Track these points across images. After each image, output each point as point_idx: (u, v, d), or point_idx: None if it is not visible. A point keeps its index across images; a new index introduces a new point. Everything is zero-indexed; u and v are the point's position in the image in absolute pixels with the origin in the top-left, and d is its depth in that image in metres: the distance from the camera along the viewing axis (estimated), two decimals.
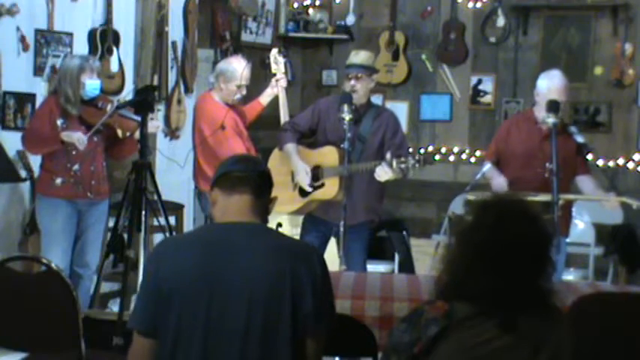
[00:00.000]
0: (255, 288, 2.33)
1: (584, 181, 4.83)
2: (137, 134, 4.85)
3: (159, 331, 2.36)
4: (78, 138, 4.74)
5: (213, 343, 2.32)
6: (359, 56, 4.95)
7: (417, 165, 4.45)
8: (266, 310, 2.32)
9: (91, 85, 4.82)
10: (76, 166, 4.84)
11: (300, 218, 5.44)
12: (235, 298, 2.32)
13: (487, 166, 4.87)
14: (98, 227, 5.07)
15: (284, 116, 5.52)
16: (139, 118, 4.84)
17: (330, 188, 4.80)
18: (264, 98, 5.70)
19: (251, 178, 2.47)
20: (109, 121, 4.85)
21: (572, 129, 4.77)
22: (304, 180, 4.87)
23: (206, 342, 2.32)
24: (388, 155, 4.55)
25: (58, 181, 4.82)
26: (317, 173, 4.89)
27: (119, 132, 5.04)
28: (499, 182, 4.77)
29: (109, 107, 4.82)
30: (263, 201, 2.50)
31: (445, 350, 2.13)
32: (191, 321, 2.33)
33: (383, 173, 4.55)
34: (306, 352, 2.40)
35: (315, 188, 4.89)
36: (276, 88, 5.59)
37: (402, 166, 4.46)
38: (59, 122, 4.79)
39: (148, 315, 2.38)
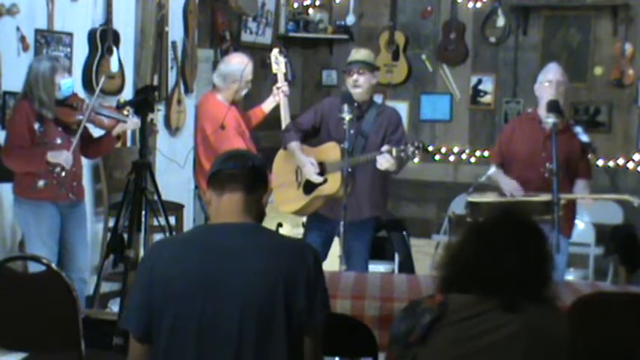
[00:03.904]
0: (248, 290, 2.32)
1: (577, 184, 4.82)
2: (115, 131, 4.87)
3: (153, 335, 2.35)
4: (65, 159, 4.67)
5: (207, 346, 2.31)
6: (360, 53, 4.97)
7: (416, 152, 4.45)
8: (260, 311, 2.31)
9: (66, 84, 4.75)
10: (58, 168, 4.77)
11: (301, 218, 5.45)
12: (228, 300, 2.31)
13: (492, 170, 4.86)
14: (82, 229, 5.01)
15: (285, 122, 5.52)
16: (116, 116, 4.83)
17: (333, 183, 4.80)
18: (267, 106, 5.71)
19: (241, 174, 2.46)
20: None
21: (577, 129, 4.77)
22: (311, 171, 4.85)
23: (200, 345, 2.31)
24: (386, 147, 4.55)
25: (41, 183, 4.73)
26: (321, 170, 4.89)
27: (116, 130, 4.97)
28: (509, 184, 4.74)
29: (84, 106, 4.77)
30: (256, 197, 2.48)
31: (440, 341, 2.14)
32: (185, 324, 2.31)
33: (384, 161, 4.54)
34: (303, 350, 2.39)
35: (320, 184, 4.88)
36: (278, 97, 5.60)
37: (402, 154, 4.47)
38: (36, 127, 4.69)
39: (142, 319, 2.36)
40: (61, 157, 4.70)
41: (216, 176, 2.48)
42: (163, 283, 2.34)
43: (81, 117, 4.74)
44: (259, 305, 2.31)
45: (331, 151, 4.85)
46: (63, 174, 4.77)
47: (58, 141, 4.76)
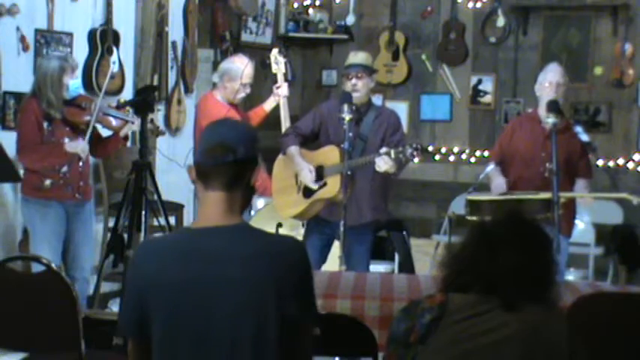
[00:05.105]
0: (237, 298, 2.25)
1: (577, 184, 4.83)
2: (123, 132, 4.88)
3: (148, 337, 2.32)
4: (82, 149, 4.71)
5: (201, 354, 2.28)
6: (358, 56, 4.97)
7: (414, 153, 4.45)
8: (251, 319, 2.25)
9: (74, 84, 4.76)
10: (64, 168, 4.77)
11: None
12: (218, 310, 2.25)
13: (490, 167, 4.89)
14: (87, 228, 5.01)
15: (285, 122, 5.53)
16: (124, 116, 4.84)
17: (333, 187, 4.80)
18: (268, 105, 5.73)
19: (221, 172, 2.30)
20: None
21: (578, 128, 4.79)
22: (308, 178, 4.86)
23: (193, 353, 2.27)
24: (384, 149, 4.55)
25: (48, 182, 4.75)
26: (320, 173, 4.89)
27: (123, 131, 4.98)
28: (498, 183, 4.78)
29: (92, 106, 4.77)
30: (239, 190, 2.34)
31: (440, 340, 2.14)
32: (175, 332, 2.26)
33: (383, 163, 4.54)
34: (296, 350, 2.36)
35: (319, 188, 4.88)
36: (277, 96, 5.61)
37: (401, 155, 4.47)
38: (45, 125, 4.71)
39: (135, 320, 2.32)
40: (79, 147, 4.72)
41: (198, 168, 2.35)
42: (150, 291, 2.29)
43: (89, 117, 4.75)
44: (250, 313, 2.24)
45: (330, 154, 4.85)
46: (80, 164, 4.79)
47: (66, 141, 4.77)
